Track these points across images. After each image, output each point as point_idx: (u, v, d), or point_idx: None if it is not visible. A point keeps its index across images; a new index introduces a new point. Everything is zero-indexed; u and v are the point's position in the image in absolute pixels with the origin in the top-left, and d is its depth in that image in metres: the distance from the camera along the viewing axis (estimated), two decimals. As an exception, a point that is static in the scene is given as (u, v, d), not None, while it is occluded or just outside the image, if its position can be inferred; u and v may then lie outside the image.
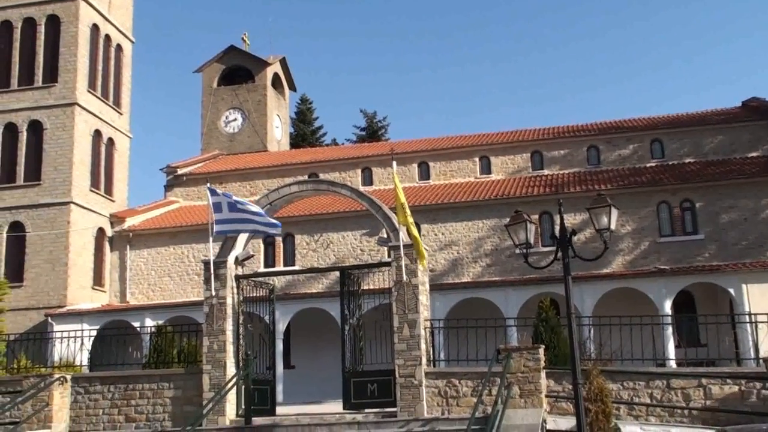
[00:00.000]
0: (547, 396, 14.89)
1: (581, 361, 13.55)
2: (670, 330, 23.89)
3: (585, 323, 21.26)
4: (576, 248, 12.36)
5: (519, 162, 34.98)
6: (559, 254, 12.33)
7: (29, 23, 33.62)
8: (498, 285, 27.58)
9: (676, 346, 24.28)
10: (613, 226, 12.16)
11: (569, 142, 34.85)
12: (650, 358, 17.89)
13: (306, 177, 34.07)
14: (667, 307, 25.61)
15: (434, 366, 16.75)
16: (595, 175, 32.81)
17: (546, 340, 17.08)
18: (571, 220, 28.09)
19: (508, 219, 13.69)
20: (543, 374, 14.64)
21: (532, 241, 12.93)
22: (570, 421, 13.97)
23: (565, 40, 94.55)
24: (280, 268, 31.15)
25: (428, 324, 16.73)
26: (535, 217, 28.52)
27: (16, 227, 31.78)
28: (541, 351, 14.80)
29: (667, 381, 14.93)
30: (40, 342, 25.21)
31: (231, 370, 16.88)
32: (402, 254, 16.28)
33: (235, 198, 16.81)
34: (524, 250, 12.66)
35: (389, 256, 17.06)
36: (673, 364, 22.43)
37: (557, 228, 12.88)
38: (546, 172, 34.34)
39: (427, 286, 17.38)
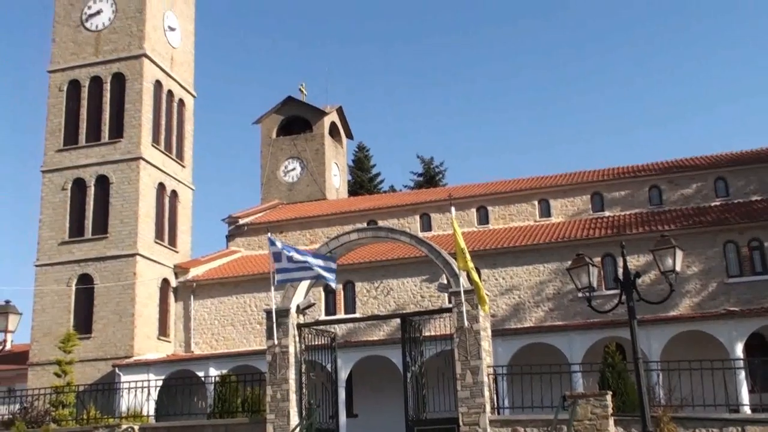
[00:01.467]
0: (615, 443, 14.55)
1: (650, 408, 13.22)
2: (742, 374, 23.10)
3: (653, 368, 20.78)
4: (641, 291, 12.19)
5: (579, 204, 34.66)
6: (624, 298, 12.15)
7: (96, 82, 34.77)
8: (561, 330, 27.14)
9: (750, 391, 23.44)
10: (678, 268, 11.97)
11: (630, 183, 34.43)
12: (723, 404, 17.36)
13: (365, 224, 34.27)
14: (739, 350, 24.82)
15: (498, 413, 16.53)
16: (657, 215, 32.28)
17: (613, 386, 16.74)
18: (635, 262, 27.61)
19: (569, 262, 13.55)
20: (611, 421, 14.34)
21: (595, 284, 12.77)
22: (641, 470, 13.60)
23: (622, 80, 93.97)
24: (340, 315, 31.20)
25: (491, 370, 16.57)
26: (598, 259, 28.12)
27: (85, 279, 32.56)
28: (609, 397, 14.52)
29: (741, 427, 14.48)
30: (108, 392, 25.63)
31: (294, 419, 16.92)
32: (463, 300, 16.23)
33: (294, 250, 17.02)
34: (587, 294, 12.51)
35: (450, 302, 17.03)
36: (747, 409, 21.67)
37: (621, 270, 12.72)
38: (607, 213, 33.92)
39: (489, 332, 17.25)
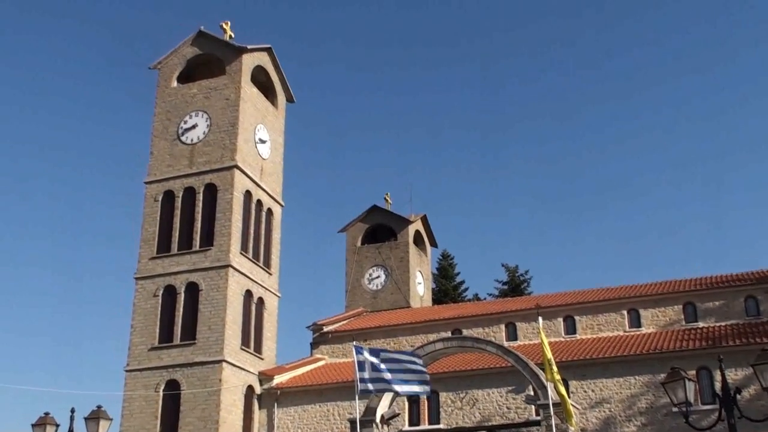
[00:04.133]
0: None
1: None
2: None
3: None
4: (741, 406, 11.63)
5: (671, 314, 33.63)
6: (724, 414, 11.61)
7: (189, 192, 36.08)
8: (656, 446, 25.97)
9: None
10: (781, 384, 11.41)
11: (724, 293, 33.31)
12: None
13: (449, 333, 34.00)
14: None
15: None
16: (755, 327, 30.99)
17: (714, 508, 15.79)
18: (733, 375, 26.40)
19: (662, 375, 13.13)
20: None
21: (691, 399, 12.27)
22: None
23: (712, 188, 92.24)
24: (425, 426, 30.62)
25: (583, 489, 15.91)
26: (692, 372, 27.01)
27: (172, 385, 32.94)
28: None
29: None
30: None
31: None
32: (552, 413, 15.79)
33: (383, 354, 16.91)
34: (684, 410, 12.01)
35: (537, 414, 16.57)
36: None
37: (717, 384, 12.23)
38: (701, 324, 32.79)
39: (580, 448, 16.66)
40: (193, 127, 37.13)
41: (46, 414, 17.50)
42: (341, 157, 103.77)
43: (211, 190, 35.81)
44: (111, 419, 17.65)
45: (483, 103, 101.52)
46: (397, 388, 16.73)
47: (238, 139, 36.21)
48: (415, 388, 16.87)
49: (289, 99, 41.41)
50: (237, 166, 35.73)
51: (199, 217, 35.52)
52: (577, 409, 16.85)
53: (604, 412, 29.27)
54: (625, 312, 34.35)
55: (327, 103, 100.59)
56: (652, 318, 33.84)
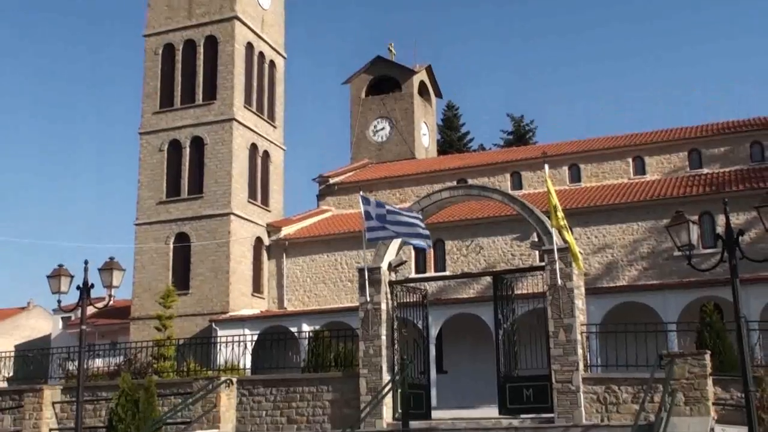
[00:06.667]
0: (714, 404, 14.27)
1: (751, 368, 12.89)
2: None
3: (753, 328, 20.19)
4: (742, 249, 11.80)
5: (675, 161, 33.64)
6: (726, 256, 11.79)
7: (189, 45, 35.45)
8: (656, 289, 26.62)
9: None
10: (784, 225, 11.51)
11: (729, 139, 33.18)
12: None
13: (454, 183, 34.16)
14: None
15: (591, 372, 16.39)
16: (759, 172, 31.04)
17: (710, 345, 16.35)
18: (735, 220, 26.52)
19: (665, 221, 13.27)
20: (710, 381, 14.05)
21: (695, 242, 12.43)
22: (741, 431, 13.33)
23: (719, 33, 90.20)
24: (431, 273, 31.33)
25: (584, 329, 16.40)
26: (695, 217, 27.31)
27: (182, 238, 33.57)
28: (707, 357, 14.22)
29: None
30: (206, 346, 26.50)
31: (386, 374, 17.15)
32: (556, 257, 16.05)
33: (388, 207, 17.04)
34: (687, 252, 12.19)
35: (541, 260, 16.88)
36: None
37: (719, 229, 12.38)
38: (705, 171, 32.83)
39: (583, 290, 17.07)
40: (190, -25, 35.97)
41: (60, 266, 17.78)
42: (343, 8, 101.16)
43: (211, 43, 35.17)
44: (124, 270, 17.96)
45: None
46: (404, 237, 16.97)
47: (237, -13, 35.17)
48: (419, 242, 17.08)
49: (288, -56, 39.90)
50: (237, 17, 34.94)
51: (200, 70, 35.09)
52: (581, 254, 17.14)
53: (607, 257, 29.87)
54: (630, 159, 34.37)
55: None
56: (657, 165, 33.88)
